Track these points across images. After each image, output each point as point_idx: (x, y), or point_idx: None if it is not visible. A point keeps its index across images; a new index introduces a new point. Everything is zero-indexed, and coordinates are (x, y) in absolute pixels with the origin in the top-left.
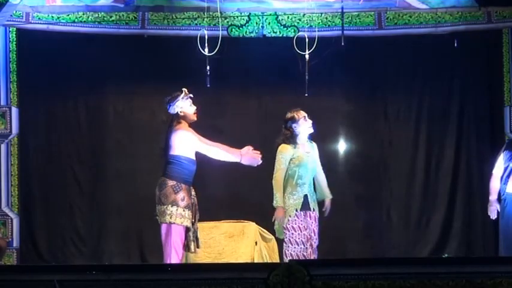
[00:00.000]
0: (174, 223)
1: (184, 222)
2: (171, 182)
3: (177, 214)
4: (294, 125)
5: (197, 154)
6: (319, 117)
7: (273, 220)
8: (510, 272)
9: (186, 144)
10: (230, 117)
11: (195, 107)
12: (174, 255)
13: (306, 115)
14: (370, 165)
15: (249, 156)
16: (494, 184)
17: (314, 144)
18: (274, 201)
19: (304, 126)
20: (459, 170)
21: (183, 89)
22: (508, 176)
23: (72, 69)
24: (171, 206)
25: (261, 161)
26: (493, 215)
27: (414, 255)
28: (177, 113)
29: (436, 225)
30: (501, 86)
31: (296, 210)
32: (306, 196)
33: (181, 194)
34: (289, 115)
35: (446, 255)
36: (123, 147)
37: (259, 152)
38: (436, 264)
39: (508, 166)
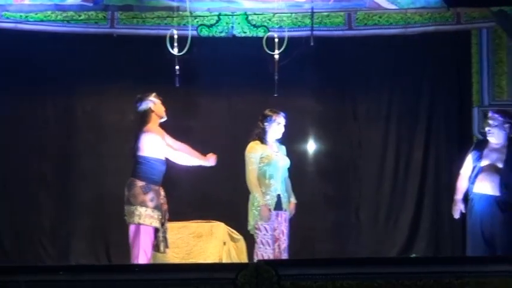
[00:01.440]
0: (143, 224)
1: (153, 223)
2: (140, 183)
3: (146, 215)
4: (266, 124)
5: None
6: (289, 118)
7: (253, 220)
8: (477, 272)
9: (154, 146)
10: (200, 118)
11: (164, 108)
12: (143, 255)
13: (282, 122)
14: (339, 166)
15: (209, 157)
16: (461, 184)
17: (283, 147)
18: (255, 202)
19: (275, 129)
20: (428, 170)
21: (153, 93)
22: (476, 176)
23: (40, 68)
24: (140, 207)
25: (214, 162)
26: (456, 215)
27: (382, 255)
28: (148, 109)
29: (404, 225)
30: (470, 86)
31: (269, 210)
32: (279, 196)
33: (150, 195)
34: (267, 112)
35: (414, 255)
36: (91, 147)
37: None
38: (404, 264)
39: (475, 166)
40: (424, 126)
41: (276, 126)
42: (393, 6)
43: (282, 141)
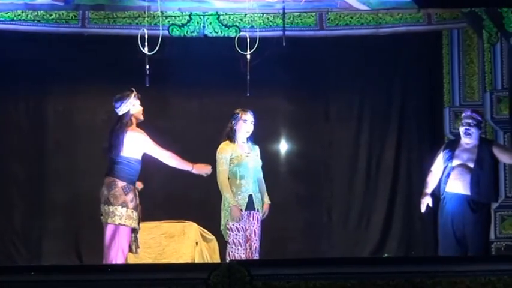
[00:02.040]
0: (124, 225)
1: (133, 224)
2: (121, 183)
3: (127, 216)
4: (233, 122)
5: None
6: (261, 118)
7: (224, 221)
8: (449, 271)
9: (139, 145)
10: (171, 118)
11: (141, 108)
12: (121, 256)
13: (248, 119)
14: (311, 166)
15: (201, 166)
16: (431, 180)
17: (256, 147)
18: (226, 203)
19: (242, 127)
20: (399, 170)
21: (133, 89)
22: (448, 176)
23: (11, 68)
24: (121, 207)
25: (211, 170)
26: (423, 208)
27: (355, 255)
28: (128, 111)
29: (376, 225)
30: (441, 87)
31: (241, 211)
32: (250, 196)
33: (130, 195)
34: (235, 111)
35: (386, 254)
36: (63, 147)
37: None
38: (377, 264)
39: (447, 166)
40: (395, 126)
41: (243, 124)
42: (364, 7)
43: (254, 140)
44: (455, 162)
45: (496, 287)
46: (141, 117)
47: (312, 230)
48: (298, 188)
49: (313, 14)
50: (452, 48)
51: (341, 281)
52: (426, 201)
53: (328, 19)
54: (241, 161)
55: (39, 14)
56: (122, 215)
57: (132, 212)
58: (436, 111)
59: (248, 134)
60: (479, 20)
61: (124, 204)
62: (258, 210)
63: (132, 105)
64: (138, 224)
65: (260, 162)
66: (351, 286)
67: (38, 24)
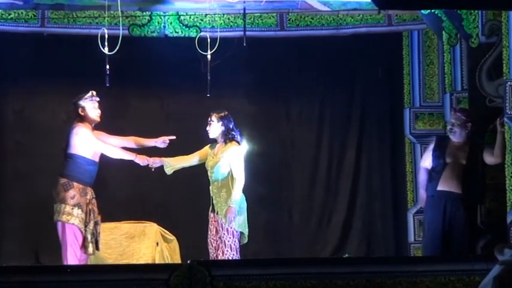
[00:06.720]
0: (64, 221)
1: (71, 220)
2: (62, 180)
3: (65, 212)
4: (232, 123)
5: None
6: None
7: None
8: (409, 272)
9: (83, 141)
10: (131, 118)
11: (99, 111)
12: (71, 254)
13: (212, 120)
14: (272, 166)
15: (144, 156)
16: (424, 177)
17: (228, 146)
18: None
19: (209, 128)
20: (360, 170)
21: (92, 91)
22: (439, 173)
23: None
24: (60, 204)
25: (158, 163)
26: (422, 204)
27: (315, 255)
28: (78, 112)
29: (337, 225)
30: (401, 88)
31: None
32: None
33: (71, 192)
34: (225, 112)
35: (347, 255)
36: (22, 147)
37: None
38: (337, 264)
39: (439, 163)
40: (356, 127)
41: (209, 127)
42: (325, 8)
43: (225, 140)
44: (447, 159)
45: (455, 287)
46: (98, 119)
47: (272, 230)
48: (259, 189)
49: (274, 14)
50: (412, 50)
51: (301, 281)
52: (423, 196)
53: (289, 20)
54: (206, 163)
55: None
56: (61, 211)
57: (71, 208)
58: (396, 112)
59: (211, 135)
60: (439, 21)
61: (63, 201)
62: (217, 212)
63: (83, 105)
64: (87, 224)
65: (217, 164)
66: (311, 286)
67: None
